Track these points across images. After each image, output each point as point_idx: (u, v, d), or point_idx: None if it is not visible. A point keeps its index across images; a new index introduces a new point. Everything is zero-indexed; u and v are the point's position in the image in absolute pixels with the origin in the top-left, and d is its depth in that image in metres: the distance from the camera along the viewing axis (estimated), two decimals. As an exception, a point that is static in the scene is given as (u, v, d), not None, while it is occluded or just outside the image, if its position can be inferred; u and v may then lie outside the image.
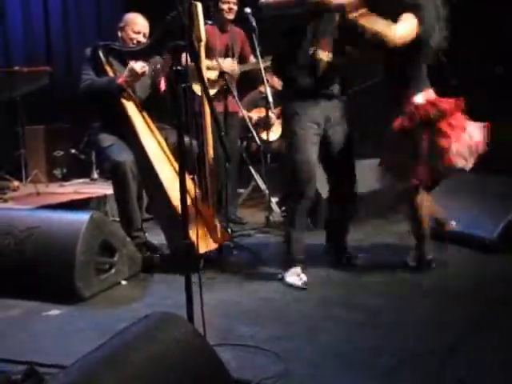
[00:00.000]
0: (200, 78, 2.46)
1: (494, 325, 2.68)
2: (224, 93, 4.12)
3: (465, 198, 4.14)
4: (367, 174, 3.87)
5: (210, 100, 2.70)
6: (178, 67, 2.11)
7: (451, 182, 4.36)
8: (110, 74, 3.77)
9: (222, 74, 4.02)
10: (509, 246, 3.71)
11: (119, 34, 3.90)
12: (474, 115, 3.39)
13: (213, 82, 4.30)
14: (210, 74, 4.21)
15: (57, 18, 6.57)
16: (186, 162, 3.50)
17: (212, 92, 4.23)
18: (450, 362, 2.31)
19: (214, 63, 4.05)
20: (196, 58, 2.18)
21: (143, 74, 3.68)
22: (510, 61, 5.03)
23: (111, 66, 3.81)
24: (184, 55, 2.26)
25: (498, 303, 2.96)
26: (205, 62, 3.57)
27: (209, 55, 3.78)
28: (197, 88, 4.17)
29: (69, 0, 6.65)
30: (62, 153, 5.78)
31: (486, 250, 3.72)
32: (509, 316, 2.79)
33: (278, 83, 5.57)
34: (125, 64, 3.75)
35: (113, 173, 3.65)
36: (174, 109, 2.20)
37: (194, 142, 3.77)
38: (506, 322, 2.72)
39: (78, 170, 5.91)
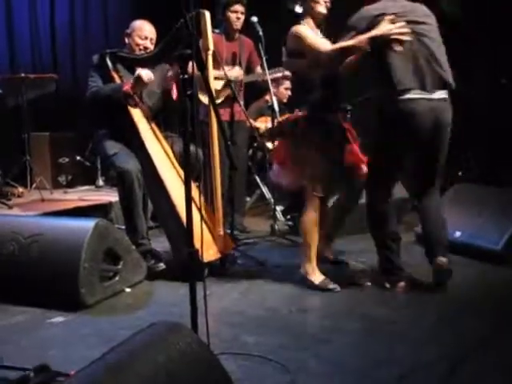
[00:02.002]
0: (207, 88, 2.46)
1: (500, 336, 2.66)
2: (230, 101, 4.13)
3: (469, 208, 4.14)
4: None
5: (217, 110, 2.70)
6: (185, 76, 2.11)
7: (455, 193, 4.38)
8: (117, 81, 3.77)
9: (228, 83, 4.03)
10: (512, 256, 3.70)
11: (126, 40, 3.92)
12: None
13: (219, 92, 4.30)
14: (216, 84, 4.21)
15: (63, 26, 6.60)
16: (192, 170, 3.60)
17: (218, 101, 4.23)
18: (455, 374, 2.30)
19: (220, 73, 4.06)
20: (202, 67, 2.16)
21: (149, 81, 3.69)
22: None
23: (118, 73, 3.81)
24: (190, 64, 2.26)
25: (503, 314, 2.95)
26: (212, 72, 3.57)
27: (215, 64, 3.79)
28: (203, 98, 4.18)
29: (76, 7, 6.68)
30: (67, 160, 5.80)
31: (491, 260, 3.71)
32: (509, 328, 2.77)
33: (283, 94, 5.59)
34: (132, 71, 3.76)
35: (119, 180, 3.65)
36: (179, 117, 2.20)
37: (200, 151, 3.77)
38: (507, 334, 2.70)
39: (83, 176, 5.93)
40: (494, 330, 2.72)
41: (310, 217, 3.34)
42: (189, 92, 2.18)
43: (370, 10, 3.22)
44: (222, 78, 4.22)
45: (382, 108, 3.25)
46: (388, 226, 3.37)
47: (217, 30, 4.36)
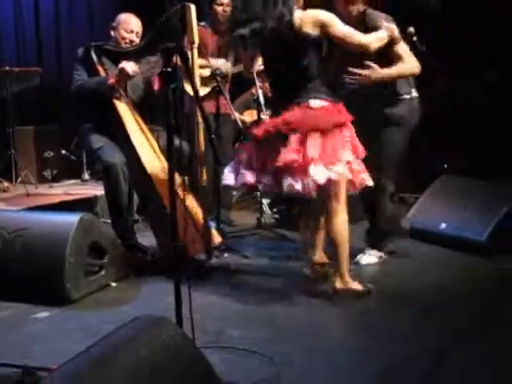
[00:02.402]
0: (191, 82, 2.45)
1: (485, 328, 2.67)
2: (216, 94, 4.11)
3: (454, 200, 4.16)
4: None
5: (200, 103, 2.69)
6: (169, 69, 2.11)
7: (441, 185, 4.40)
8: (103, 74, 3.75)
9: (214, 74, 4.01)
10: (498, 247, 3.73)
11: (112, 33, 3.89)
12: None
13: (205, 81, 4.27)
14: (203, 72, 4.19)
15: (48, 19, 6.54)
16: (178, 163, 3.59)
17: (204, 92, 4.21)
18: (442, 366, 2.31)
19: (206, 62, 4.04)
20: (186, 60, 2.16)
21: (134, 74, 3.67)
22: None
23: (103, 66, 3.79)
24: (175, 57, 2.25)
25: (489, 305, 2.96)
26: (197, 61, 3.55)
27: (201, 56, 3.78)
28: (189, 88, 4.16)
29: (60, 1, 6.61)
30: (52, 154, 5.76)
31: (476, 252, 3.73)
32: (500, 317, 2.79)
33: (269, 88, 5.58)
34: (117, 64, 3.73)
35: (104, 174, 3.65)
36: (164, 110, 2.19)
37: (185, 144, 3.76)
38: (496, 323, 2.72)
39: (68, 170, 5.89)
40: (479, 322, 2.74)
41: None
42: (173, 85, 2.18)
43: None
44: (208, 67, 4.21)
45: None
46: None
47: (202, 23, 4.34)
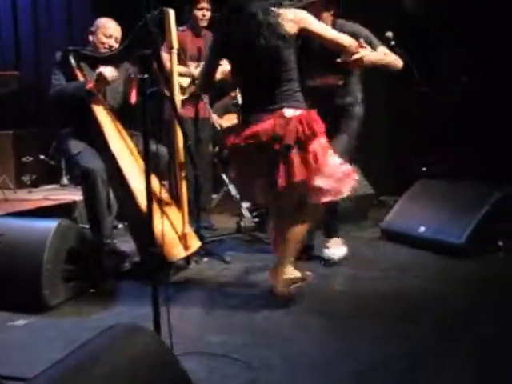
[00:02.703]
0: (168, 87, 2.44)
1: (465, 329, 2.69)
2: (195, 98, 4.11)
3: (433, 203, 4.19)
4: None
5: (176, 109, 2.69)
6: (145, 76, 2.10)
7: (420, 189, 4.44)
8: (81, 79, 3.73)
9: (194, 80, 4.01)
10: (476, 249, 3.76)
11: (90, 38, 3.87)
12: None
13: (185, 89, 4.28)
14: (183, 81, 4.19)
15: (26, 23, 6.49)
16: (157, 168, 3.58)
17: (183, 97, 4.21)
18: (421, 367, 2.33)
19: (187, 70, 4.04)
20: (161, 66, 2.16)
21: (112, 79, 3.66)
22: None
23: (82, 70, 3.77)
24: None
25: (469, 306, 2.98)
26: (177, 69, 3.55)
27: (180, 60, 3.78)
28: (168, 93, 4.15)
29: (38, 4, 6.56)
30: (31, 159, 5.71)
31: (455, 254, 3.76)
32: (479, 319, 2.81)
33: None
34: (96, 69, 3.72)
35: (82, 180, 3.63)
36: (141, 116, 2.19)
37: (163, 149, 3.76)
38: (476, 325, 2.73)
39: (47, 175, 5.84)
40: (460, 324, 2.75)
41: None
42: (151, 90, 2.17)
43: None
44: (187, 76, 4.21)
45: None
46: None
47: (181, 28, 4.33)
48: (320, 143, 2.93)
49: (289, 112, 2.91)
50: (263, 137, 2.86)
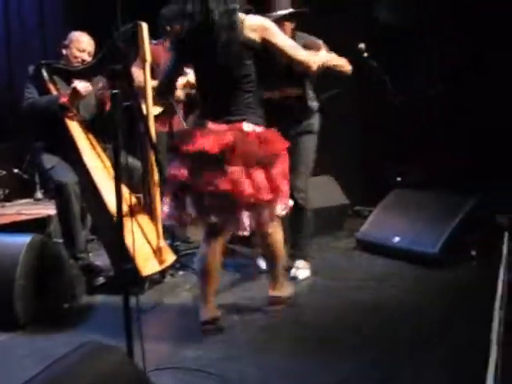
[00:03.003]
0: (136, 103, 2.43)
1: (440, 338, 2.70)
2: (169, 112, 4.10)
3: (407, 213, 4.22)
4: (316, 191, 3.99)
5: (146, 122, 2.68)
6: (115, 91, 2.10)
7: (394, 199, 4.47)
8: (54, 92, 3.72)
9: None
10: (450, 259, 3.79)
11: (64, 51, 3.86)
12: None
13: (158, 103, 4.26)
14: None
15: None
16: (130, 181, 3.56)
17: (156, 111, 4.19)
18: (396, 377, 2.34)
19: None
20: (130, 81, 2.15)
21: (86, 93, 3.65)
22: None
23: (55, 84, 3.77)
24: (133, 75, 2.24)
25: (443, 316, 3.00)
26: (150, 83, 3.54)
27: (154, 75, 3.77)
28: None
29: (11, 16, 6.51)
30: (4, 172, 5.64)
31: (429, 264, 3.78)
32: (453, 328, 2.83)
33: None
34: (69, 83, 3.72)
35: (56, 194, 3.61)
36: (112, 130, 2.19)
37: (137, 162, 3.76)
38: (450, 334, 2.75)
39: (21, 190, 5.77)
40: (433, 333, 2.77)
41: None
42: (125, 104, 2.17)
43: None
44: None
45: None
46: None
47: (155, 41, 4.32)
48: (281, 167, 2.84)
49: (248, 127, 2.79)
50: (215, 148, 2.69)
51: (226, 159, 2.69)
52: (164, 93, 3.15)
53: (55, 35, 5.65)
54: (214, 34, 2.74)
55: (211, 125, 2.79)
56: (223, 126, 2.77)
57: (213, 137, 2.73)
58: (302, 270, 3.72)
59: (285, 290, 3.22)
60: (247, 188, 2.68)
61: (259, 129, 2.82)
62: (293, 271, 3.69)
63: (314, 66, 2.98)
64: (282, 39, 2.87)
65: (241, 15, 2.78)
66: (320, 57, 3.12)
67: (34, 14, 6.63)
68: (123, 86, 2.14)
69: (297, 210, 3.48)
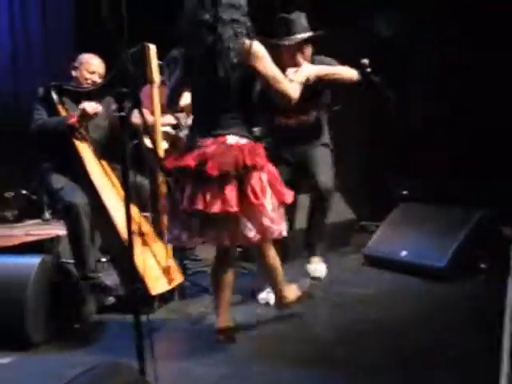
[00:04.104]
0: (144, 128, 2.46)
1: (449, 353, 2.69)
2: (176, 146, 4.10)
3: (414, 227, 4.22)
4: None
5: (155, 141, 2.70)
6: (122, 113, 2.13)
7: (401, 213, 4.48)
8: (63, 114, 3.76)
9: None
10: (458, 272, 3.79)
11: (73, 73, 3.90)
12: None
13: (167, 136, 4.25)
14: (166, 129, 4.19)
15: (5, 57, 6.49)
16: (139, 200, 3.59)
17: (165, 146, 4.15)
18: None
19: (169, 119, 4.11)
20: (138, 104, 2.19)
21: (95, 114, 3.69)
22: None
23: (64, 106, 3.80)
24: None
25: (452, 330, 2.99)
26: (160, 118, 3.57)
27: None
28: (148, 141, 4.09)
29: (17, 37, 6.57)
30: (12, 194, 5.69)
31: (437, 278, 3.77)
32: (459, 343, 2.81)
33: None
34: (78, 104, 3.74)
35: (66, 214, 3.62)
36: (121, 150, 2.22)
37: (145, 181, 3.79)
38: (455, 349, 2.73)
39: (29, 210, 5.81)
40: (438, 347, 2.76)
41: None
42: (134, 142, 2.20)
43: None
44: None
45: None
46: None
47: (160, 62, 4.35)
48: (260, 179, 2.78)
49: (232, 139, 2.79)
50: (192, 161, 2.72)
51: (202, 172, 2.70)
52: (169, 101, 3.21)
53: (61, 59, 5.69)
54: (215, 53, 2.78)
55: (199, 140, 2.83)
56: (209, 140, 2.79)
57: (196, 151, 2.77)
58: (315, 265, 3.84)
59: (292, 293, 3.21)
60: (215, 204, 2.66)
61: (243, 141, 2.82)
62: (308, 267, 3.84)
63: (294, 95, 2.93)
64: (268, 67, 2.84)
65: (243, 38, 2.81)
66: (302, 72, 3.20)
67: (40, 35, 6.71)
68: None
69: (317, 204, 3.76)
